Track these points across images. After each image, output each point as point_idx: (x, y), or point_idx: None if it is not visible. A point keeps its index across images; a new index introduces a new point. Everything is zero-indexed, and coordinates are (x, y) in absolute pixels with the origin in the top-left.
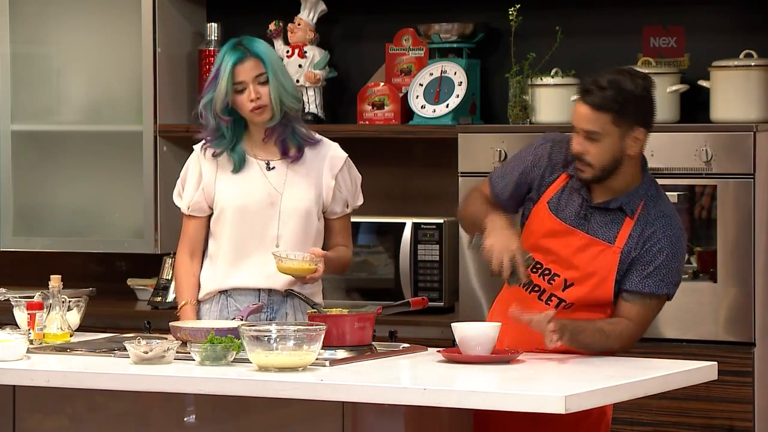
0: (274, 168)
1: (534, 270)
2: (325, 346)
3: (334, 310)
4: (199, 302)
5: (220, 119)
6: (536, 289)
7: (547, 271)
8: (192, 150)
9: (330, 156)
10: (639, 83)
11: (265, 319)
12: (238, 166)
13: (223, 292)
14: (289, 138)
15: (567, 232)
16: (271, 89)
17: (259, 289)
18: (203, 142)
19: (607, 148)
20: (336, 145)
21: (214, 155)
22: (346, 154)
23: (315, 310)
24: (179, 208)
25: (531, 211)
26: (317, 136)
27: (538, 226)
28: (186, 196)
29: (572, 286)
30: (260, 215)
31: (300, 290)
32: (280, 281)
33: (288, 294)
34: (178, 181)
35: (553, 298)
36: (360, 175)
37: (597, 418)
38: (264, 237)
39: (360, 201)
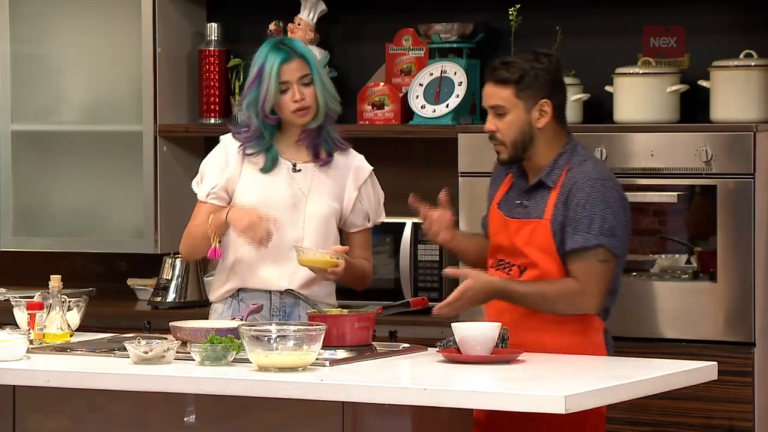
0: (300, 170)
1: (498, 268)
2: (325, 346)
3: (333, 310)
4: (210, 303)
5: (267, 119)
6: None
7: (504, 264)
8: (218, 140)
9: (356, 166)
10: (542, 59)
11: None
12: (270, 166)
13: (235, 295)
14: (322, 142)
15: (507, 223)
16: (318, 91)
17: (270, 291)
18: (240, 142)
19: (514, 121)
20: (362, 157)
21: (248, 155)
22: (371, 168)
23: (315, 310)
24: (195, 196)
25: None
26: (344, 142)
27: (491, 227)
28: (207, 181)
29: (526, 270)
30: (282, 216)
31: (314, 291)
32: (295, 284)
33: (297, 296)
34: (200, 169)
35: None
36: (383, 193)
37: (594, 423)
38: (283, 238)
39: (382, 218)
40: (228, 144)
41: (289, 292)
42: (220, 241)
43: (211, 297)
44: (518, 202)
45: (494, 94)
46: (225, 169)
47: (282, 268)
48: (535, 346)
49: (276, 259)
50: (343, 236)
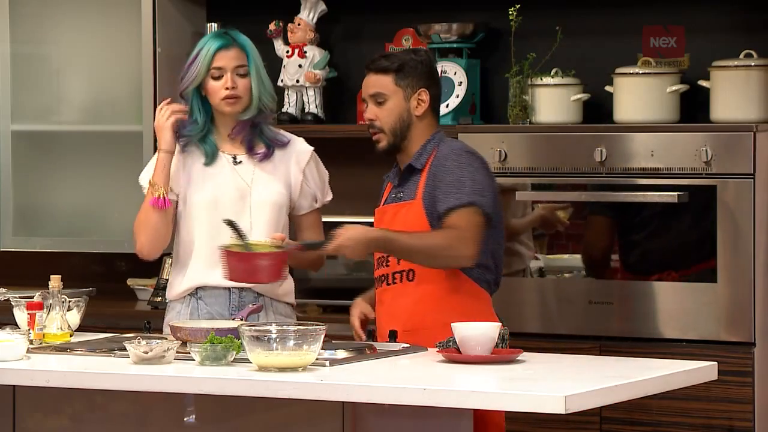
0: (241, 162)
1: (379, 266)
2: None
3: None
4: (168, 302)
5: (184, 100)
6: (382, 279)
7: (381, 258)
8: None
9: (297, 150)
10: (420, 52)
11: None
12: (210, 157)
13: (193, 294)
14: (255, 139)
15: (382, 213)
16: (253, 83)
17: (229, 288)
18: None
19: (393, 108)
20: (301, 140)
21: (184, 147)
22: (312, 148)
23: (227, 246)
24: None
25: None
26: (287, 136)
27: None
28: (149, 170)
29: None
30: (231, 209)
31: (272, 290)
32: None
33: (257, 294)
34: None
35: (396, 275)
36: (327, 171)
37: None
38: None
39: (329, 197)
40: None
41: (248, 289)
42: (165, 191)
43: (169, 295)
44: (393, 195)
45: (375, 83)
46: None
47: None
48: (438, 326)
49: None
50: (293, 221)
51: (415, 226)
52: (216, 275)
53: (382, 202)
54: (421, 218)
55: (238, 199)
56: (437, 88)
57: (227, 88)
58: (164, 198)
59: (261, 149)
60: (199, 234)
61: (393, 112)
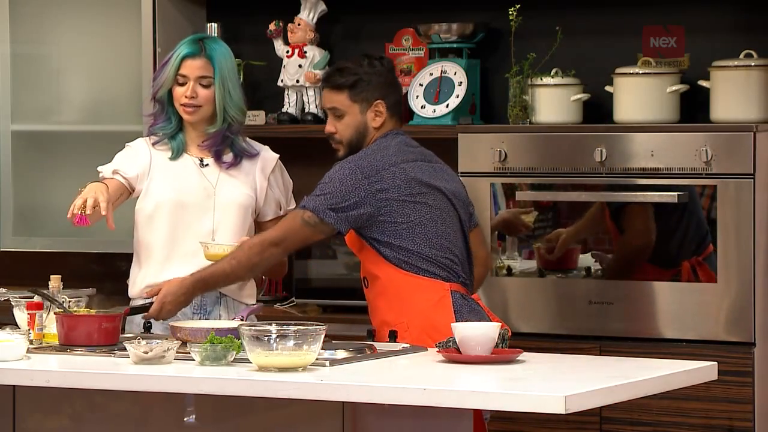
0: (207, 165)
1: None
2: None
3: (82, 310)
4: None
5: (156, 102)
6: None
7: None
8: None
9: (262, 157)
10: (375, 63)
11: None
12: (176, 153)
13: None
14: (225, 148)
15: None
16: (217, 95)
17: None
18: (150, 126)
19: (350, 123)
20: (267, 148)
21: (155, 143)
22: (277, 155)
23: (62, 310)
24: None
25: None
26: (256, 148)
27: None
28: (114, 163)
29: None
30: (196, 209)
31: (235, 290)
32: None
33: (222, 295)
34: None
35: (364, 280)
36: (291, 181)
37: None
38: (199, 231)
39: (292, 205)
40: (137, 142)
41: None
42: (85, 209)
43: (130, 292)
44: None
45: (331, 99)
46: (135, 162)
47: (197, 263)
48: (401, 327)
49: (189, 254)
50: (258, 228)
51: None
52: (175, 272)
53: None
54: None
55: (203, 198)
56: (396, 93)
57: (186, 96)
58: (84, 216)
59: (228, 158)
60: (162, 234)
61: (350, 126)
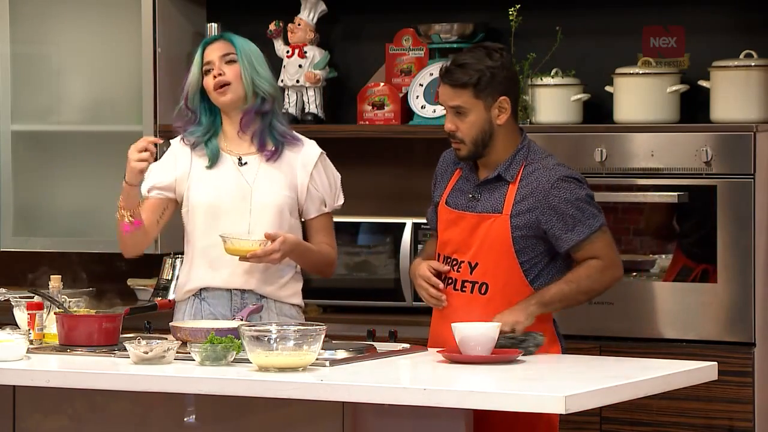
0: (246, 163)
1: (448, 265)
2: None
3: (82, 310)
4: (176, 302)
5: (188, 106)
6: (449, 282)
7: (453, 261)
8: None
9: (304, 152)
10: (495, 56)
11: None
12: (212, 160)
13: (197, 294)
14: (266, 133)
15: (459, 217)
16: (242, 69)
17: (230, 290)
18: (181, 133)
19: (474, 121)
20: (312, 142)
21: (192, 146)
22: (321, 150)
23: (62, 310)
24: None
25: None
26: (299, 136)
27: (440, 223)
28: (151, 178)
29: (477, 266)
30: (232, 211)
31: (276, 292)
32: (254, 281)
33: (260, 296)
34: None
35: (466, 284)
36: (339, 174)
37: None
38: (235, 233)
39: (340, 201)
40: (175, 145)
41: (249, 291)
42: (132, 215)
43: (177, 296)
44: (470, 195)
45: (452, 96)
46: (173, 167)
47: (241, 266)
48: None
49: (231, 257)
50: (304, 225)
51: (497, 239)
52: (217, 276)
53: (446, 194)
54: (505, 233)
55: (239, 200)
56: (517, 89)
57: (215, 76)
58: (131, 222)
59: (270, 147)
60: (201, 236)
61: (474, 125)
